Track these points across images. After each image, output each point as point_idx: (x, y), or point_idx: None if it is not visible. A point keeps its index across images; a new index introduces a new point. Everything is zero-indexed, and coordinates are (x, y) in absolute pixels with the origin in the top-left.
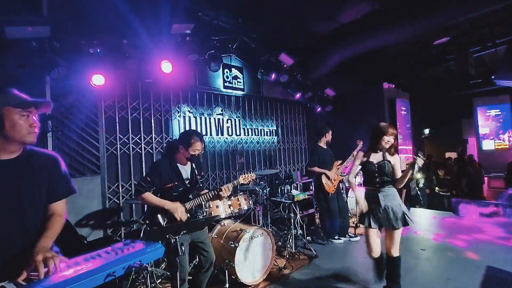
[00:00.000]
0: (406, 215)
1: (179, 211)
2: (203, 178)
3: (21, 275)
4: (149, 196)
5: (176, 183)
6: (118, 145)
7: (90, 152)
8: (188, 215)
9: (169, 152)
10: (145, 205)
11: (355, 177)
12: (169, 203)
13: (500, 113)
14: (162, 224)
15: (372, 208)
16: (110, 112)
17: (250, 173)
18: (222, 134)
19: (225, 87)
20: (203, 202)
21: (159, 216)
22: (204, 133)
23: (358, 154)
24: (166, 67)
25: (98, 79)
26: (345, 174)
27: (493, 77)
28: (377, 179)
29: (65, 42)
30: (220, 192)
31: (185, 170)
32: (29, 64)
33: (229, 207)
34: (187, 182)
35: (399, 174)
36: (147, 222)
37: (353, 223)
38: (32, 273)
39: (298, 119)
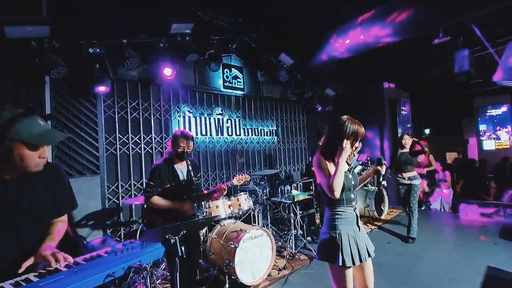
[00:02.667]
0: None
1: (186, 209)
2: (199, 179)
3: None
4: (157, 200)
5: (173, 184)
6: (118, 145)
7: (90, 152)
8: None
9: (167, 155)
10: (144, 205)
11: None
12: (179, 204)
13: (500, 112)
14: (162, 223)
15: (350, 235)
16: (110, 112)
17: (244, 174)
18: (222, 134)
19: (225, 87)
20: (202, 202)
21: (157, 216)
22: (204, 133)
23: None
24: (167, 69)
25: (101, 89)
26: None
27: (493, 77)
28: (352, 194)
29: (65, 42)
30: (214, 194)
31: (182, 172)
32: (29, 64)
33: (229, 207)
34: (183, 183)
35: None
36: (145, 221)
37: None
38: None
39: (298, 119)
